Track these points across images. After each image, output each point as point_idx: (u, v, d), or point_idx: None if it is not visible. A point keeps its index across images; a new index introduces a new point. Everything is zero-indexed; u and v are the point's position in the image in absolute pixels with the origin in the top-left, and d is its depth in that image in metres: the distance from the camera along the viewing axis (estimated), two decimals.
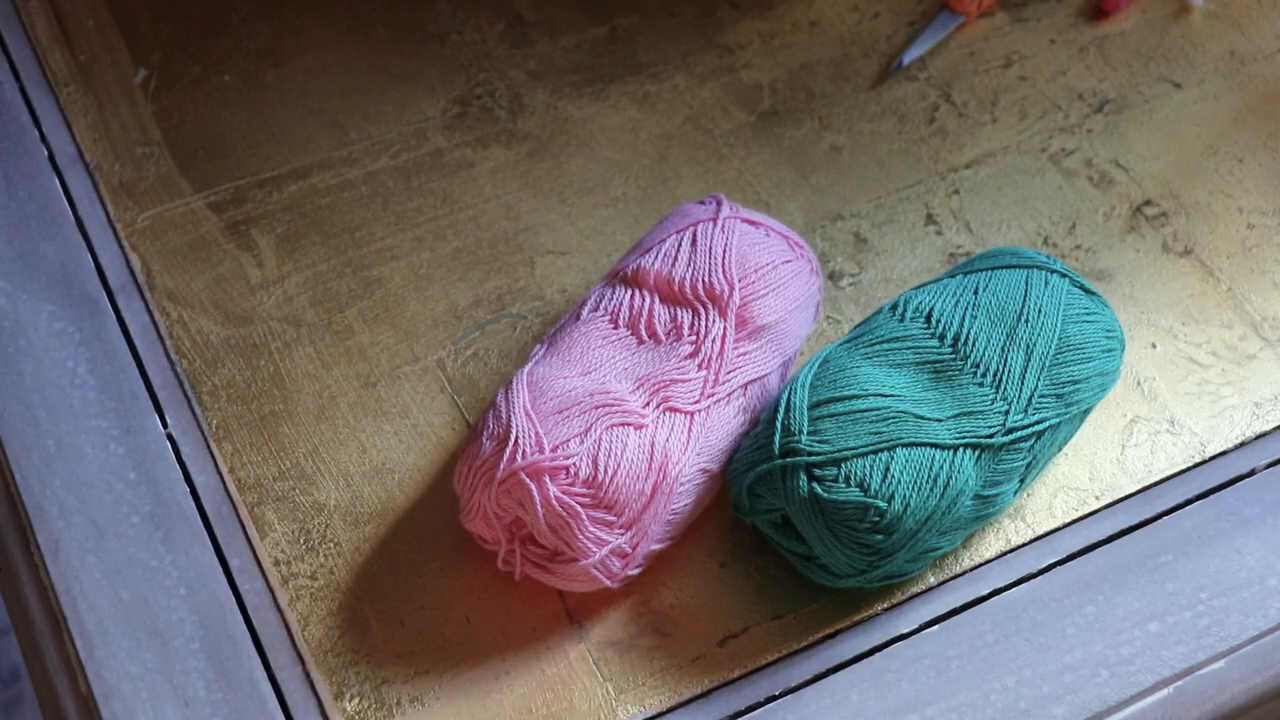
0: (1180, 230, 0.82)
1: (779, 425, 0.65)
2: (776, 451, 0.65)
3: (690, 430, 0.66)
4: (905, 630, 0.68)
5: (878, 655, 0.67)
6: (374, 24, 0.90)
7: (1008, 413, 0.66)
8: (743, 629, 0.68)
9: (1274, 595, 0.69)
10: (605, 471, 0.64)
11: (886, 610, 0.68)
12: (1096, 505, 0.72)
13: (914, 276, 0.79)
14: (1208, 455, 0.73)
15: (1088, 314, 0.70)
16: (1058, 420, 0.67)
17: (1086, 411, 0.70)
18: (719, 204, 0.73)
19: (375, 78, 0.85)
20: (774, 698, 0.66)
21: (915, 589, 0.69)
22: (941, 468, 0.64)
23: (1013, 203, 0.83)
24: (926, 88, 0.88)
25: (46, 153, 0.83)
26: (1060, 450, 0.71)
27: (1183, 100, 0.87)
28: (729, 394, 0.68)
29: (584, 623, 0.68)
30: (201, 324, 0.77)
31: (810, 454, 0.64)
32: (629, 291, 0.71)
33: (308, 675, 0.66)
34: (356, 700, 0.66)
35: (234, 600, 0.68)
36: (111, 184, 0.82)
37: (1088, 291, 0.71)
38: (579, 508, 0.63)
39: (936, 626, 0.68)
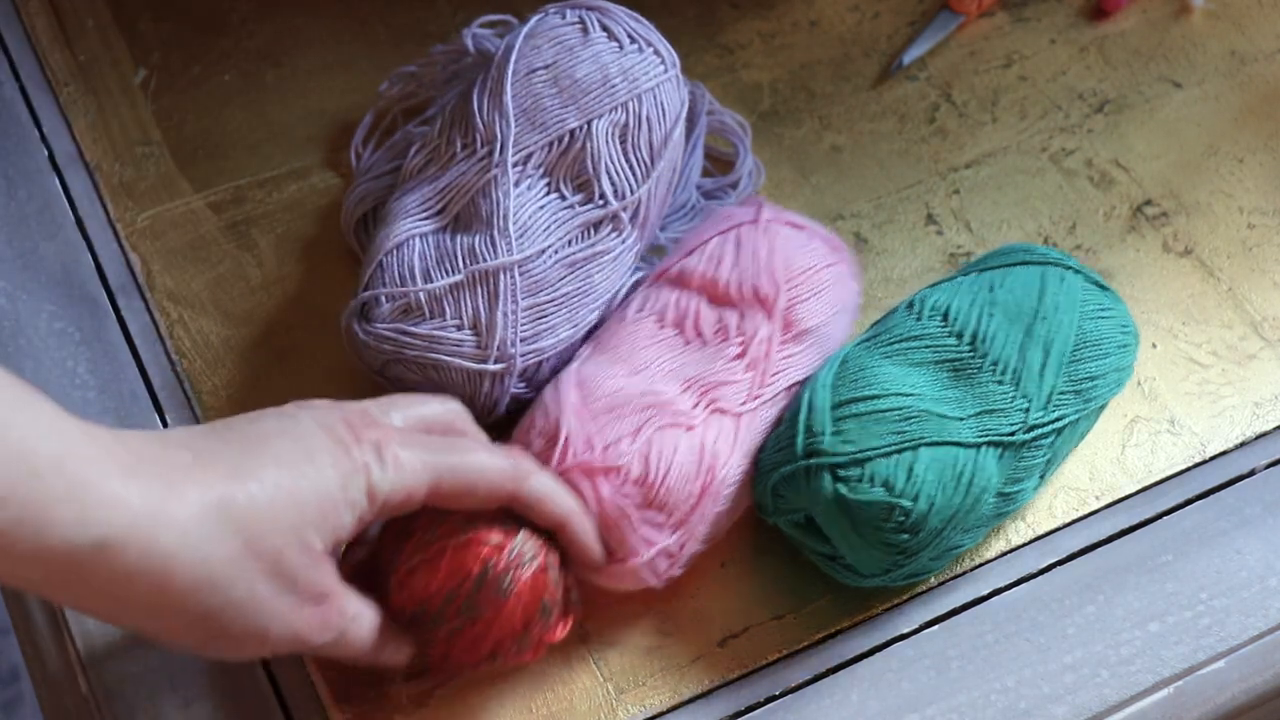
0: (1180, 230, 0.82)
1: (801, 426, 0.65)
2: (800, 452, 0.64)
3: (738, 432, 0.66)
4: (905, 630, 0.68)
5: (878, 655, 0.67)
6: (374, 24, 0.90)
7: (1028, 410, 0.66)
8: (743, 629, 0.68)
9: (1274, 595, 0.69)
10: (656, 473, 0.64)
11: (887, 610, 0.68)
12: (1096, 505, 0.72)
13: (914, 276, 0.79)
14: (1208, 455, 0.73)
15: (1103, 309, 0.69)
16: (1077, 416, 0.67)
17: (1102, 407, 0.70)
18: (759, 206, 0.73)
19: (375, 77, 0.85)
20: (774, 698, 0.66)
21: (915, 589, 0.69)
22: (965, 466, 0.64)
23: (1013, 203, 0.83)
24: (927, 88, 0.88)
25: (46, 152, 0.83)
26: (1077, 445, 0.71)
27: (1183, 100, 0.87)
28: (774, 396, 0.68)
29: (584, 623, 0.68)
30: (201, 324, 0.77)
31: (834, 454, 0.64)
32: (675, 292, 0.70)
33: (308, 675, 0.66)
34: (357, 700, 0.66)
35: None
36: (111, 184, 0.82)
37: (1101, 287, 0.70)
38: (630, 508, 0.64)
39: (937, 626, 0.68)
